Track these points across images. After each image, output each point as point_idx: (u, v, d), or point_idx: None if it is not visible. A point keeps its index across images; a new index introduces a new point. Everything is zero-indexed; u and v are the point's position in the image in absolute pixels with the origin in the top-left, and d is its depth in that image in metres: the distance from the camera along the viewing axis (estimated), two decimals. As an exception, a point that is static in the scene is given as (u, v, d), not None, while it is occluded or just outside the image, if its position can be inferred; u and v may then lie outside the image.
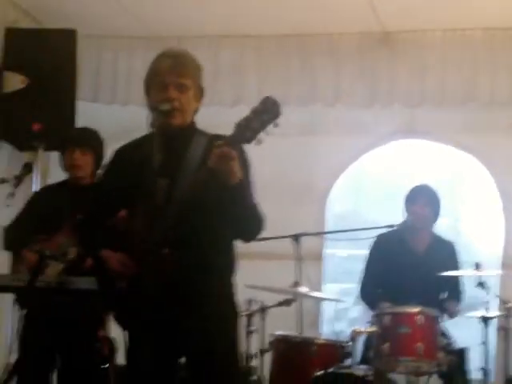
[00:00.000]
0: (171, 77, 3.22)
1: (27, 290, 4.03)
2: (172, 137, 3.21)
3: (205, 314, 3.18)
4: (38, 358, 4.44)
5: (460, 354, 4.87)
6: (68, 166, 4.75)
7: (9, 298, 4.75)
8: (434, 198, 5.48)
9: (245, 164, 3.26)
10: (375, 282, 5.49)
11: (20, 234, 4.63)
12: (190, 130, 3.33)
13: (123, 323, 3.32)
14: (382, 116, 6.51)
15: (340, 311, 6.89)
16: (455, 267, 5.37)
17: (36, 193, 5.00)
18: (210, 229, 3.16)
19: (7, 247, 4.74)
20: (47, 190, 5.13)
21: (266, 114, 2.90)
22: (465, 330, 5.57)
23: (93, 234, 3.43)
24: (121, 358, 4.13)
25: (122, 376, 4.47)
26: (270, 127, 2.91)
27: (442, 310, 5.21)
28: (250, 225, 3.23)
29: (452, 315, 5.26)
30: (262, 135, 2.92)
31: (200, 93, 3.34)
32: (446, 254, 5.49)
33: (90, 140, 4.77)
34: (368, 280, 5.54)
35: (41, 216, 4.65)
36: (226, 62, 6.44)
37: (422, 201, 5.44)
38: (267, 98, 2.93)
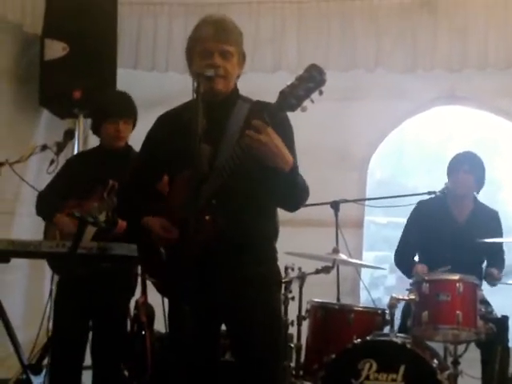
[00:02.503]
0: (215, 44, 3.22)
1: (69, 256, 4.07)
2: (215, 103, 3.21)
3: (246, 281, 3.20)
4: (71, 323, 4.47)
5: (500, 323, 4.84)
6: (111, 136, 4.71)
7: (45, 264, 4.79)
8: (477, 165, 5.40)
9: (289, 132, 3.27)
10: (411, 249, 5.47)
11: (53, 200, 4.66)
12: (233, 95, 3.34)
13: (163, 290, 3.36)
14: (423, 82, 6.44)
15: (376, 279, 6.90)
16: (498, 236, 5.31)
17: (69, 159, 5.01)
18: (251, 196, 3.17)
19: (40, 213, 4.78)
20: (80, 157, 5.17)
21: (311, 81, 2.89)
22: (505, 298, 5.54)
23: (134, 200, 3.45)
24: (159, 325, 4.19)
25: (160, 343, 4.53)
26: (315, 95, 2.90)
27: (484, 276, 5.19)
28: (297, 197, 3.25)
29: (494, 282, 5.22)
30: (306, 103, 2.91)
31: (242, 59, 3.35)
32: (489, 222, 5.42)
33: (132, 109, 4.77)
34: (404, 246, 5.52)
35: (74, 182, 4.67)
36: (267, 28, 6.40)
37: (465, 168, 5.36)
38: (312, 65, 2.92)
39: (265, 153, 3.00)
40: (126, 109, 4.73)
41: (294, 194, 3.21)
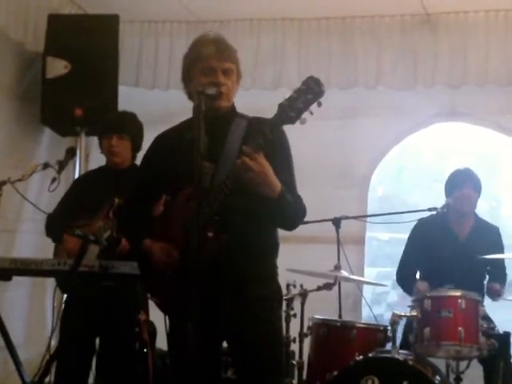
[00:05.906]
0: (218, 62, 3.26)
1: (71, 274, 4.06)
2: (215, 120, 3.22)
3: (247, 298, 3.21)
4: (78, 342, 4.49)
5: (502, 339, 4.82)
6: (106, 152, 4.79)
7: (50, 282, 4.79)
8: (478, 182, 5.43)
9: (285, 149, 3.27)
10: (413, 266, 5.47)
11: (61, 222, 4.66)
12: (231, 112, 3.37)
13: (165, 308, 3.36)
14: (423, 99, 6.45)
15: (379, 295, 6.88)
16: (500, 252, 5.31)
17: (76, 180, 5.06)
18: (252, 212, 3.18)
19: (49, 234, 4.81)
20: (87, 177, 5.19)
21: (309, 93, 2.88)
22: (507, 315, 5.53)
23: (133, 220, 3.46)
24: (160, 343, 4.18)
25: (161, 360, 4.52)
26: (314, 106, 2.89)
27: (486, 291, 5.18)
28: (291, 219, 3.27)
29: (496, 297, 5.22)
30: (305, 115, 2.91)
31: (240, 76, 3.38)
32: (491, 238, 5.43)
33: (127, 125, 4.79)
34: (405, 264, 5.53)
35: (82, 202, 4.69)
36: (267, 46, 6.43)
37: (469, 185, 5.38)
38: (310, 77, 2.92)
39: (252, 180, 3.01)
40: (118, 124, 4.78)
41: (284, 217, 3.22)
